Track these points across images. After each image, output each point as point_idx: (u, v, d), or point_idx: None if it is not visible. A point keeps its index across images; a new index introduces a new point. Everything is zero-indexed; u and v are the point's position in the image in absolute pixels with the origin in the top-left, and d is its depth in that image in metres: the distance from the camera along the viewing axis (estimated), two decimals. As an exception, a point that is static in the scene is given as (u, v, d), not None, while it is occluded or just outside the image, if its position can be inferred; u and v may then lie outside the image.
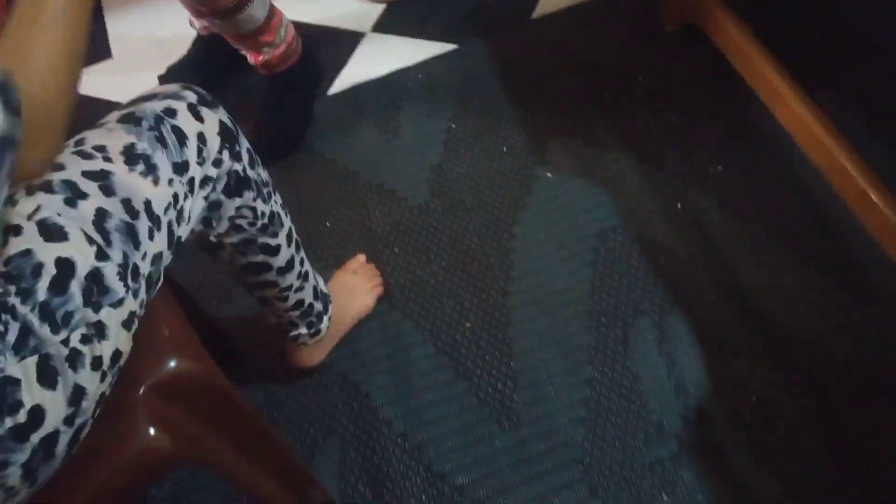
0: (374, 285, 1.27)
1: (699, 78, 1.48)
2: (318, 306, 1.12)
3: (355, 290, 1.25)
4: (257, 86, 1.58)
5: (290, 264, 1.01)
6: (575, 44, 1.61)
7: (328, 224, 1.42)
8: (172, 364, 0.75)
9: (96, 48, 2.00)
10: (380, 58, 1.74)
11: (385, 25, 1.83)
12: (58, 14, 0.62)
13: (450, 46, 1.70)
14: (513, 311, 1.22)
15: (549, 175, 1.39)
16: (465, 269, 1.29)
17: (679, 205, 1.30)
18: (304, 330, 1.12)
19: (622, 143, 1.42)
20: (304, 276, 1.06)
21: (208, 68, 1.70)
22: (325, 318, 1.15)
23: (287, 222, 1.00)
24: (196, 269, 1.33)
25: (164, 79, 1.73)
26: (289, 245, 1.00)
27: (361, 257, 1.32)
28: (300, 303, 1.08)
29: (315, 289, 1.11)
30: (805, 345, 1.11)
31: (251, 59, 1.48)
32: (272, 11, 1.40)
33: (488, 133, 1.50)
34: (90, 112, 1.78)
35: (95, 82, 1.96)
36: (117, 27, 2.07)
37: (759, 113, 1.37)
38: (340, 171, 1.51)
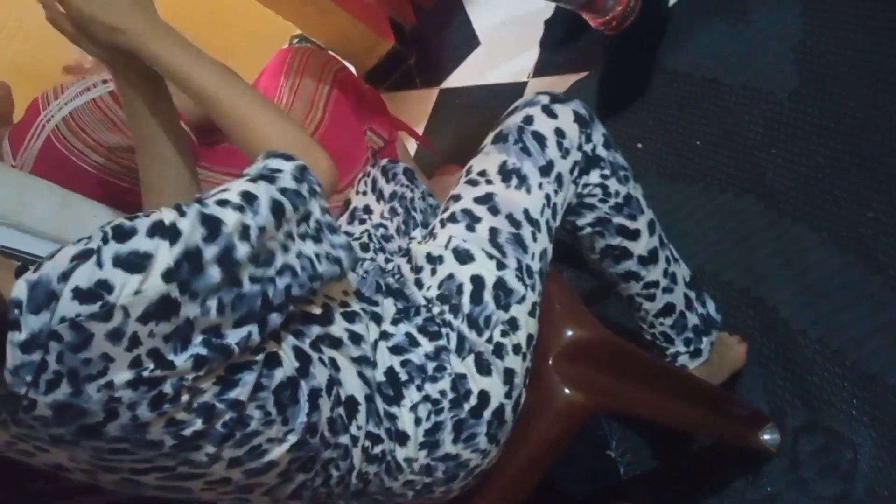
0: (737, 340, 1.17)
1: None
2: (694, 319, 1.05)
3: (726, 345, 1.15)
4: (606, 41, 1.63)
5: (653, 255, 0.99)
6: None
7: (698, 143, 1.42)
8: (569, 333, 0.90)
9: (467, 41, 2.29)
10: (714, -56, 1.63)
11: None
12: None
13: None
14: (925, 185, 1.08)
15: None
16: (855, 151, 1.17)
17: None
18: (681, 347, 1.05)
19: None
20: (672, 278, 1.02)
21: (572, 23, 1.82)
22: (706, 340, 1.06)
23: (649, 213, 0.99)
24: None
25: (543, 38, 1.94)
26: (651, 234, 0.98)
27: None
28: (670, 308, 1.03)
29: (689, 299, 1.05)
30: None
31: (592, 23, 1.55)
32: None
33: (854, -17, 1.30)
34: (472, 100, 2.08)
35: (470, 71, 2.25)
36: (479, 16, 2.32)
37: None
38: (699, 83, 1.48)
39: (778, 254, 1.21)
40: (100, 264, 0.57)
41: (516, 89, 1.96)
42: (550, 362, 0.90)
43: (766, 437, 1.08)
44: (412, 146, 2.18)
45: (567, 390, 0.88)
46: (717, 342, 1.10)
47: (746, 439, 1.07)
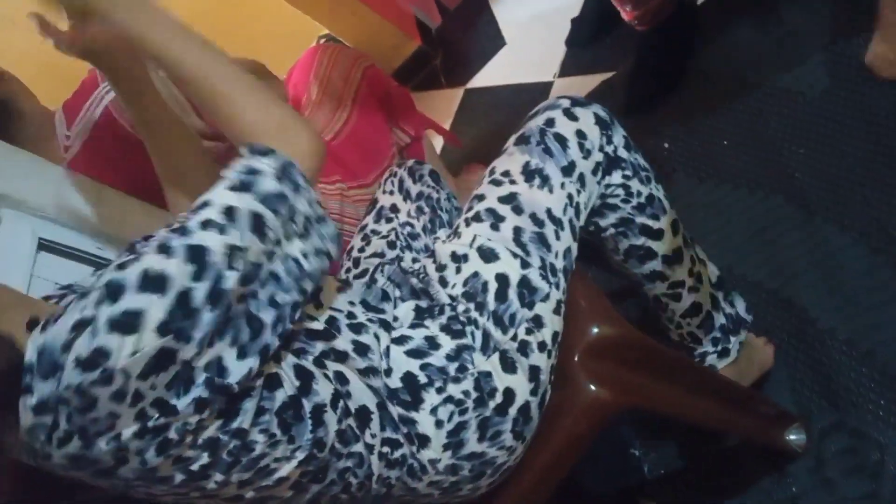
0: (764, 341, 1.16)
1: None
2: (721, 319, 1.06)
3: (753, 348, 1.15)
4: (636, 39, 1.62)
5: (677, 255, 0.99)
6: None
7: (726, 143, 1.42)
8: (595, 331, 0.91)
9: (492, 41, 2.30)
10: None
11: None
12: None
13: None
14: (956, 185, 1.07)
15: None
16: (885, 151, 1.16)
17: None
18: (709, 347, 1.06)
19: None
20: (698, 278, 1.02)
21: (599, 22, 1.84)
22: (734, 339, 1.07)
23: (672, 213, 0.99)
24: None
25: (570, 35, 1.94)
26: (674, 234, 0.98)
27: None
28: (697, 307, 1.03)
29: (714, 298, 1.05)
30: None
31: (625, 16, 1.55)
32: None
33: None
34: (498, 100, 2.08)
35: (496, 71, 2.26)
36: (504, 15, 2.33)
37: None
38: (727, 83, 1.48)
39: (807, 254, 1.20)
40: (95, 332, 0.59)
41: (542, 89, 1.96)
42: (576, 359, 0.90)
43: (793, 436, 1.07)
44: (438, 144, 2.19)
45: (592, 387, 0.89)
46: (745, 343, 1.10)
47: (772, 439, 1.07)
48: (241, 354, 0.67)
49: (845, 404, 1.07)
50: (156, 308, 0.60)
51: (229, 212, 0.67)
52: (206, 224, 0.66)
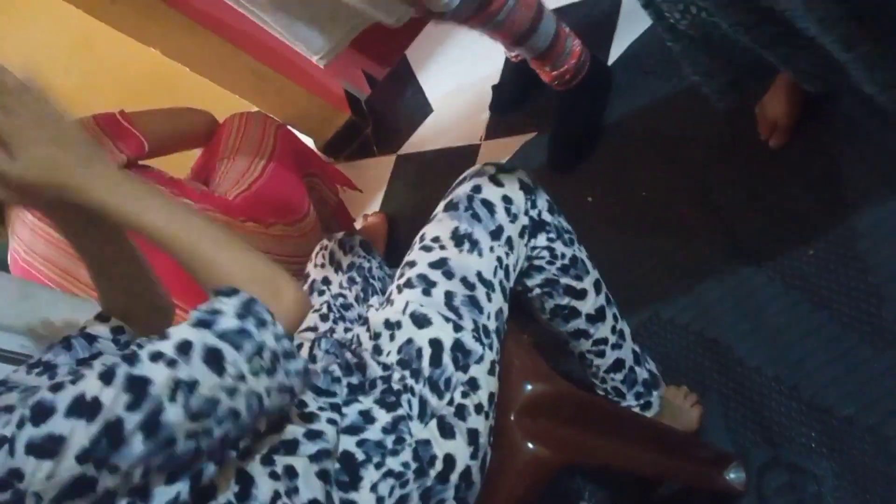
0: (692, 402, 1.19)
1: None
2: (643, 374, 1.10)
3: (678, 408, 1.18)
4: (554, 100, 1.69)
5: (600, 314, 1.03)
6: None
7: (644, 194, 1.48)
8: (528, 388, 0.92)
9: (420, 109, 2.37)
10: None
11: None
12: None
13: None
14: (858, 221, 1.13)
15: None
16: (794, 192, 1.23)
17: None
18: (632, 401, 1.10)
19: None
20: (620, 335, 1.07)
21: (518, 87, 1.92)
22: (655, 393, 1.11)
23: (595, 273, 1.03)
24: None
25: (493, 101, 2.01)
26: (597, 293, 1.03)
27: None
28: (620, 363, 1.07)
29: (637, 355, 1.10)
30: None
31: (544, 77, 1.62)
32: (559, 26, 1.51)
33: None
34: (429, 165, 2.10)
35: (425, 137, 2.32)
36: (430, 84, 2.40)
37: None
38: (642, 136, 1.55)
39: (728, 295, 1.25)
40: (12, 453, 0.57)
41: (470, 152, 2.02)
42: (512, 418, 0.91)
43: (732, 475, 1.09)
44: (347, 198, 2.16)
45: (531, 445, 0.89)
46: (670, 404, 1.14)
47: (713, 480, 1.09)
48: (171, 480, 0.63)
49: (779, 439, 1.09)
50: (79, 434, 0.58)
51: (183, 346, 0.64)
52: (156, 356, 0.63)
